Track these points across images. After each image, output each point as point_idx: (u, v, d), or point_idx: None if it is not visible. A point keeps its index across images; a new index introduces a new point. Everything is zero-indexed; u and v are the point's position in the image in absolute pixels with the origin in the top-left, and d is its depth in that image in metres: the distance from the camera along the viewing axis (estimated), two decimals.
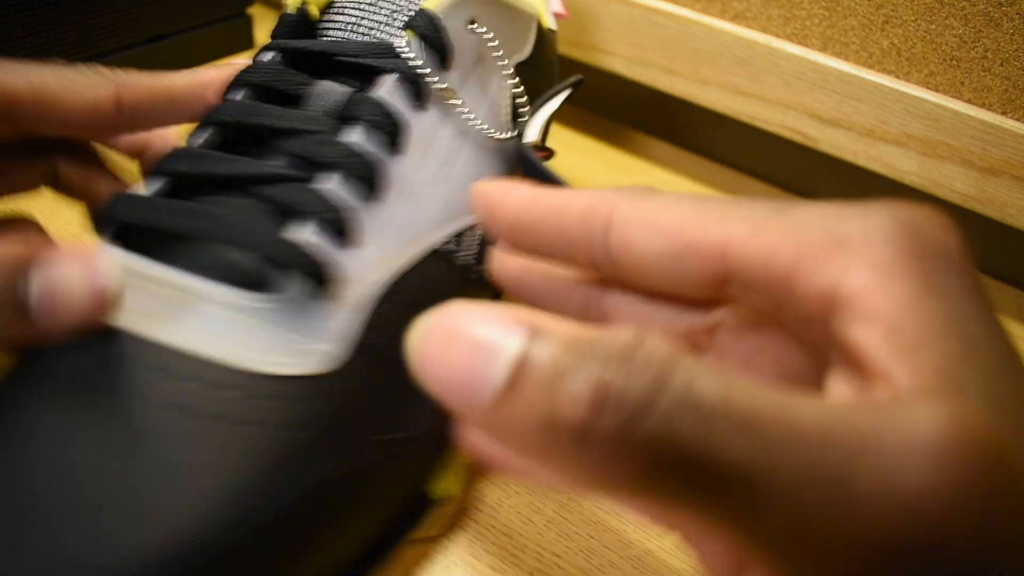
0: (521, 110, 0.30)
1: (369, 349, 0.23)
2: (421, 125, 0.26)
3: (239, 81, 0.26)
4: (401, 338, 0.15)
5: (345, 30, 0.28)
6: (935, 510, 0.12)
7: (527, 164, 0.27)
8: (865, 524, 0.12)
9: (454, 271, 0.26)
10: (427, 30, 0.26)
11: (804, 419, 0.12)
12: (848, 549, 0.13)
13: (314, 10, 0.28)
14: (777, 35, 0.41)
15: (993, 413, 0.13)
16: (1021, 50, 0.35)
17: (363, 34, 0.27)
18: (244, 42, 0.57)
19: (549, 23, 0.36)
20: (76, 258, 0.20)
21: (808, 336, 0.17)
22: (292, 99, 0.26)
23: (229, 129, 0.25)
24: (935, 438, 0.12)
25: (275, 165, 0.24)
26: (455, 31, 0.27)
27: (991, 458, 0.13)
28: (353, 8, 0.28)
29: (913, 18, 0.37)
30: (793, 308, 0.16)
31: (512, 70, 0.30)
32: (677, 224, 0.17)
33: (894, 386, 0.14)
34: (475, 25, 0.28)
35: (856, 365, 0.15)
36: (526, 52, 0.32)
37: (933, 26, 0.37)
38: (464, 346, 0.13)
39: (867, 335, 0.14)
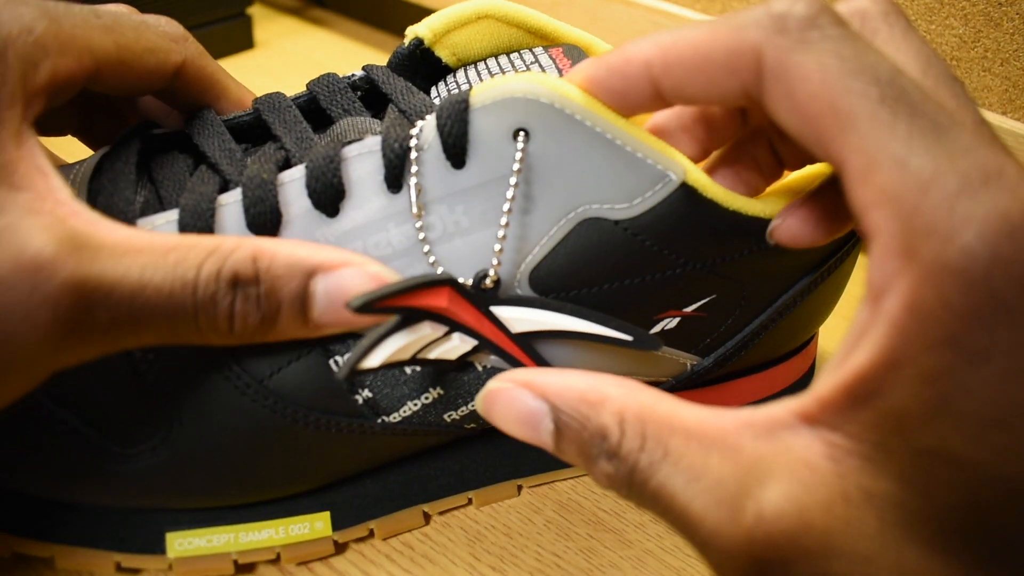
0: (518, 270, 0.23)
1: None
2: (371, 203, 0.23)
3: (315, 81, 0.26)
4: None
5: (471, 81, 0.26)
6: None
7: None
8: None
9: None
10: (447, 119, 0.22)
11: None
12: None
13: (447, 55, 0.27)
14: None
15: None
16: (1021, 50, 0.35)
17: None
18: (244, 42, 0.57)
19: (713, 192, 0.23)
20: (359, 265, 0.22)
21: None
22: (327, 119, 0.26)
23: (258, 115, 0.26)
24: None
25: (226, 151, 0.24)
26: (488, 133, 0.22)
27: None
28: (494, 65, 0.27)
29: (913, 18, 0.37)
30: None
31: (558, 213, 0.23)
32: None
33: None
34: (522, 137, 0.22)
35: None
36: (633, 209, 0.22)
37: (933, 26, 0.37)
38: (520, 412, 0.19)
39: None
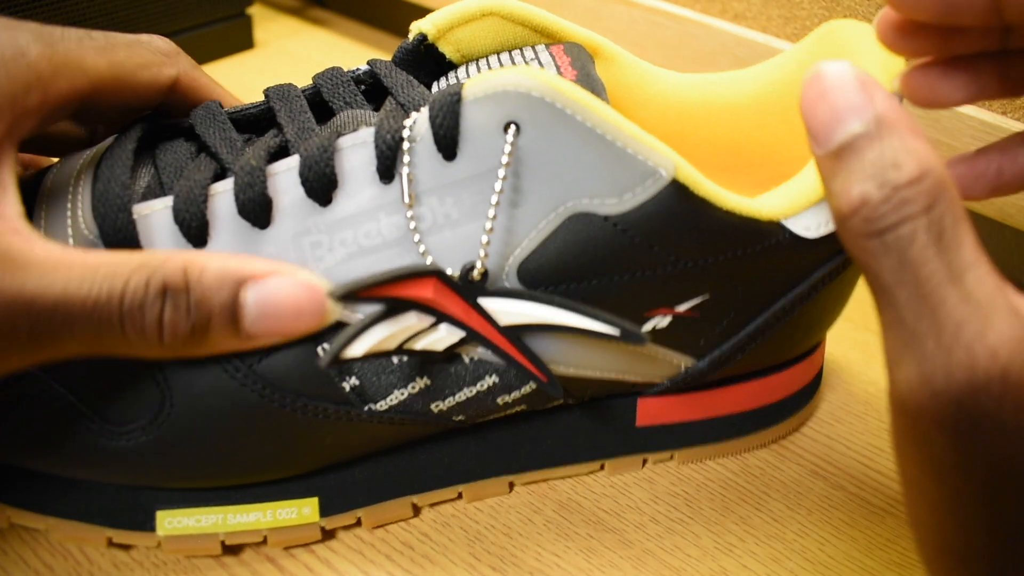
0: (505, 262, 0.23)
1: None
2: (363, 194, 0.23)
3: (321, 75, 0.27)
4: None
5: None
6: None
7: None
8: None
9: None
10: (439, 112, 0.22)
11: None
12: None
13: (451, 51, 0.27)
14: (777, 35, 0.41)
15: None
16: None
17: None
18: (244, 42, 0.57)
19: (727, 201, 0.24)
20: (289, 274, 0.22)
21: None
22: (330, 111, 0.26)
23: (266, 107, 0.26)
24: None
25: (226, 140, 0.25)
26: (480, 126, 0.22)
27: None
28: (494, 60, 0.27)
29: None
30: None
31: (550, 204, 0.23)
32: None
33: None
34: (512, 131, 0.22)
35: None
36: (622, 205, 0.23)
37: None
38: (843, 98, 0.17)
39: None
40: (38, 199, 0.25)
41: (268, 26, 0.61)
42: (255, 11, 0.59)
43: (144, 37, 0.26)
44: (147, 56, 0.25)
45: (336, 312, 0.23)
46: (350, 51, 0.59)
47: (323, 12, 0.64)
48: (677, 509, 0.28)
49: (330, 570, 0.26)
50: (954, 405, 0.16)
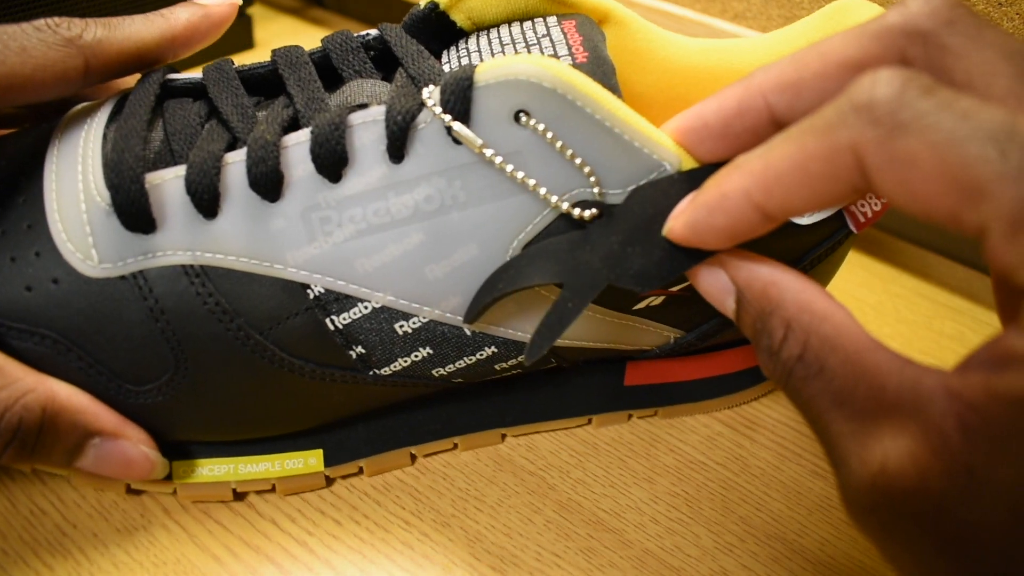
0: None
1: None
2: (373, 172, 0.23)
3: (330, 38, 0.27)
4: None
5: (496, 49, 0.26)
6: None
7: None
8: None
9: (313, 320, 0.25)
10: (451, 96, 0.22)
11: None
12: None
13: (462, 19, 0.27)
14: None
15: None
16: None
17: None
18: (244, 42, 0.57)
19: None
20: (133, 439, 0.25)
21: None
22: (337, 77, 0.26)
23: (272, 65, 0.26)
24: None
25: (238, 106, 0.25)
26: (490, 112, 0.22)
27: None
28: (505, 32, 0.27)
29: None
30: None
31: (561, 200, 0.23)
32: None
33: None
34: (524, 119, 0.22)
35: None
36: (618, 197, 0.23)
37: None
38: (712, 286, 0.21)
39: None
40: (48, 158, 0.25)
41: (268, 26, 0.61)
42: (255, 11, 0.59)
43: (41, 28, 0.24)
44: (42, 55, 0.24)
45: (163, 470, 0.26)
46: None
47: (323, 12, 0.64)
48: (677, 509, 0.28)
49: (330, 570, 0.26)
50: (866, 516, 0.17)
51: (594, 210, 0.23)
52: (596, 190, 0.23)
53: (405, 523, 0.28)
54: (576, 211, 0.23)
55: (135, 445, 0.25)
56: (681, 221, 0.21)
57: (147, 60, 0.26)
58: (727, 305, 0.21)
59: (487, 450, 0.30)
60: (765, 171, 0.19)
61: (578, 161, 0.23)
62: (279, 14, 0.63)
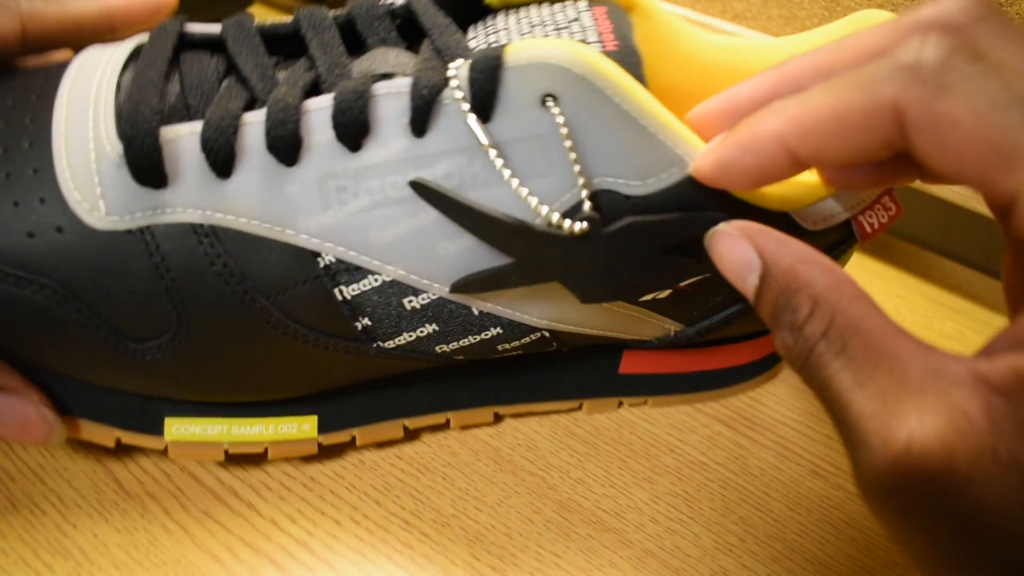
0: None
1: None
2: (394, 144, 0.23)
3: (356, 3, 0.26)
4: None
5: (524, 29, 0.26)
6: None
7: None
8: None
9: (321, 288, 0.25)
10: (479, 74, 0.22)
11: None
12: None
13: None
14: (777, 35, 0.41)
15: None
16: None
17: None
18: None
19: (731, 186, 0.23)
20: (28, 397, 0.25)
21: None
22: (361, 44, 0.26)
23: (295, 26, 0.26)
24: None
25: (258, 65, 0.25)
26: (517, 93, 0.22)
27: None
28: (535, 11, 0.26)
29: None
30: None
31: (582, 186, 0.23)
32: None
33: None
34: (551, 104, 0.22)
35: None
36: (645, 187, 0.23)
37: None
38: (735, 259, 0.21)
39: None
40: (57, 103, 0.25)
41: None
42: (255, 11, 0.59)
43: None
44: None
45: (61, 436, 0.26)
46: None
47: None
48: (677, 509, 0.28)
49: (330, 570, 0.26)
50: (885, 497, 0.17)
51: (584, 224, 0.23)
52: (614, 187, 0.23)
53: (405, 523, 0.28)
54: (567, 223, 0.23)
55: (35, 405, 0.25)
56: (710, 159, 0.21)
57: (84, 33, 0.27)
58: (749, 281, 0.20)
59: (487, 450, 0.30)
60: (802, 116, 0.19)
61: (601, 150, 0.23)
62: (279, 14, 0.63)
